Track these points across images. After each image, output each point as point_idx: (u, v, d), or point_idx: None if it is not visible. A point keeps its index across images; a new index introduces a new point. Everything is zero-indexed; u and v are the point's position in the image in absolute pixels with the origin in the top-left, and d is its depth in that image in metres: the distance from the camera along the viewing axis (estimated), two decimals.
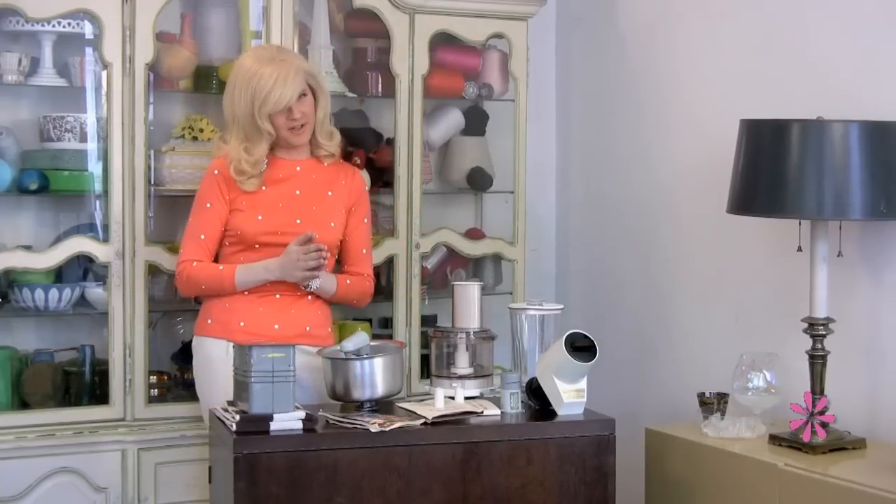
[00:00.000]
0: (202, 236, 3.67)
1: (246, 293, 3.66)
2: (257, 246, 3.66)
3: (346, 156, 4.09)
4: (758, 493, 3.29)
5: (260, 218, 3.65)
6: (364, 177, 4.09)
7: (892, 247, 3.49)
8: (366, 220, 3.83)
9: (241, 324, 3.63)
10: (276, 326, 3.65)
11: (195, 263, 3.66)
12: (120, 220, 3.98)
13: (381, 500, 3.26)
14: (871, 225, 3.51)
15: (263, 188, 3.68)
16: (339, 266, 3.81)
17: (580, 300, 4.76)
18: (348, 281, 3.77)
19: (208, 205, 3.67)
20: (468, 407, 3.47)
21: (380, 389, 3.47)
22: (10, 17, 3.95)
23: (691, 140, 4.20)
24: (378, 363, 3.46)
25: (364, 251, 3.82)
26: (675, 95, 4.29)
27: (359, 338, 3.53)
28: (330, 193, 3.75)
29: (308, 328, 3.71)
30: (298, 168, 3.73)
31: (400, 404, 3.57)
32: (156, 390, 4.13)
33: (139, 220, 3.99)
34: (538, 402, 3.50)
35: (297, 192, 3.71)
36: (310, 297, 3.71)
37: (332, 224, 3.73)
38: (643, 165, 4.45)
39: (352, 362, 3.46)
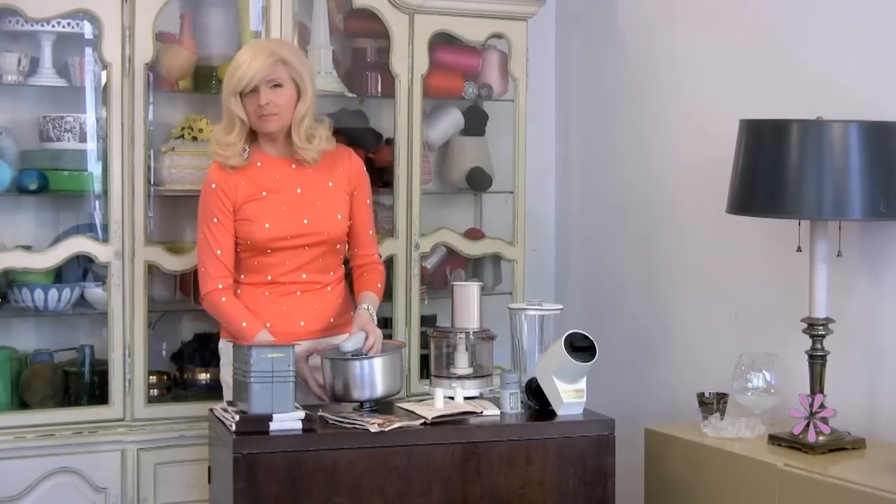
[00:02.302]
0: (219, 251, 3.62)
1: (266, 293, 3.65)
2: (269, 251, 3.65)
3: None
4: (757, 493, 3.29)
5: (267, 226, 3.63)
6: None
7: (891, 247, 3.49)
8: (368, 202, 3.80)
9: (268, 325, 3.61)
10: (302, 323, 3.65)
11: (224, 298, 3.61)
12: (119, 221, 3.98)
13: (381, 501, 3.26)
14: (870, 225, 3.50)
15: (264, 194, 3.65)
16: (349, 250, 3.79)
17: (580, 300, 4.76)
18: (379, 285, 3.79)
19: (215, 219, 3.63)
20: (468, 407, 3.47)
21: (379, 389, 3.47)
22: (9, 17, 3.95)
23: (691, 140, 4.20)
24: (377, 363, 3.46)
25: (371, 232, 3.81)
26: (674, 95, 4.29)
27: (358, 338, 3.54)
28: (330, 184, 3.72)
29: (332, 319, 3.71)
30: (293, 165, 3.71)
31: (399, 404, 3.57)
32: (155, 390, 4.13)
33: (139, 220, 3.99)
34: (538, 402, 3.50)
35: (299, 190, 3.68)
36: (329, 287, 3.72)
37: (339, 216, 3.71)
38: (643, 165, 4.45)
39: (351, 362, 3.46)
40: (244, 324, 3.59)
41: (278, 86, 3.59)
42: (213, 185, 3.64)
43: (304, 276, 3.66)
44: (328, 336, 3.69)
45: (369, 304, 3.69)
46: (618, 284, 4.59)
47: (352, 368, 3.45)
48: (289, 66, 3.61)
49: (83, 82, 4.07)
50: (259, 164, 3.67)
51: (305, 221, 3.65)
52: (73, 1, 3.91)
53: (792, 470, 3.21)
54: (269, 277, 3.65)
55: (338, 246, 3.73)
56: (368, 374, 3.45)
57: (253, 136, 3.67)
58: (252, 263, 3.66)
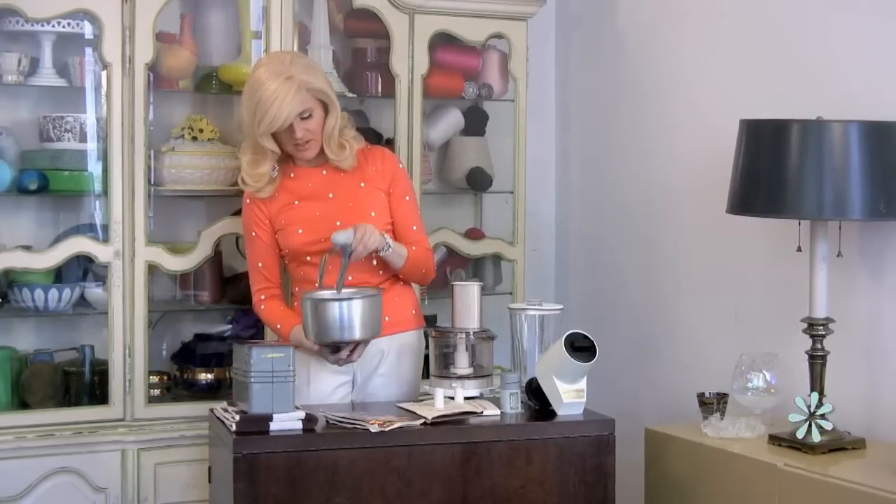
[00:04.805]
0: (260, 265, 3.73)
1: None
2: (308, 258, 3.66)
3: None
4: (757, 493, 3.28)
5: (300, 231, 3.65)
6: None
7: (891, 247, 3.49)
8: (408, 198, 3.78)
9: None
10: None
11: (263, 306, 3.72)
12: (120, 220, 3.98)
13: (381, 501, 3.26)
14: (870, 225, 3.50)
15: (296, 202, 3.68)
16: None
17: (580, 300, 4.76)
18: (413, 248, 3.73)
19: (254, 234, 3.72)
20: (468, 407, 3.47)
21: (357, 332, 3.49)
22: (10, 17, 3.95)
23: (691, 140, 4.20)
24: (356, 305, 3.47)
25: (414, 227, 3.78)
26: (674, 95, 4.29)
27: (348, 232, 3.51)
28: (362, 184, 3.72)
29: (387, 318, 3.65)
30: (324, 172, 3.72)
31: (400, 404, 3.57)
32: (156, 390, 4.13)
33: (139, 220, 3.99)
34: (538, 402, 3.50)
35: (331, 195, 3.70)
36: (381, 286, 3.69)
37: (373, 213, 3.69)
38: (643, 165, 4.45)
39: (330, 303, 3.46)
40: (279, 326, 3.69)
41: (307, 115, 3.59)
42: (248, 201, 3.72)
43: (349, 277, 3.60)
44: (386, 334, 3.67)
45: (387, 235, 3.63)
46: (618, 284, 4.59)
47: (330, 309, 3.46)
48: (312, 90, 3.58)
49: (83, 82, 4.07)
50: (292, 175, 3.71)
51: (338, 223, 3.63)
52: (74, 1, 3.92)
53: (792, 470, 3.21)
54: (318, 285, 3.59)
55: None
56: (347, 317, 3.46)
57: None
58: (300, 274, 3.70)
